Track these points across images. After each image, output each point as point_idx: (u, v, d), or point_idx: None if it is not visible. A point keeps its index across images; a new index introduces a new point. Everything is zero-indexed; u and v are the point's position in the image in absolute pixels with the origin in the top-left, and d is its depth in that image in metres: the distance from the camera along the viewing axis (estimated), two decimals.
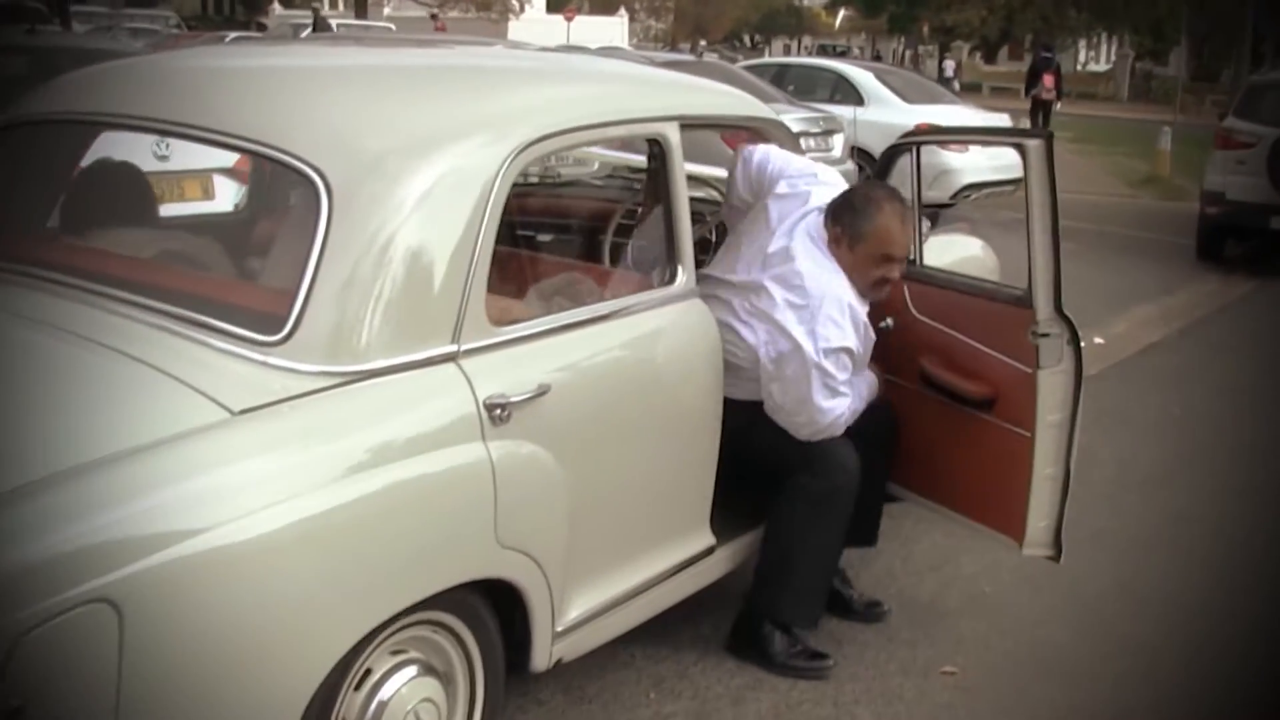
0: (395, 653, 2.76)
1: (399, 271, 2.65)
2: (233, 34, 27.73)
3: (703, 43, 44.87)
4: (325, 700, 2.53)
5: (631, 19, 59.39)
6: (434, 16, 30.30)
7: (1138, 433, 6.20)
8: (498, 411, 2.77)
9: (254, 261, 3.08)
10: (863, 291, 3.55)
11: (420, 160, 2.75)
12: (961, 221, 7.17)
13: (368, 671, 2.69)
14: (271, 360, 2.52)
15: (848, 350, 3.47)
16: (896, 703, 3.59)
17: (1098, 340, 7.87)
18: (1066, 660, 3.86)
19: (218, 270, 3.11)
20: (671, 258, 3.37)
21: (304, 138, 2.75)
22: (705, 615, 3.99)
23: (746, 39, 64.10)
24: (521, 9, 46.93)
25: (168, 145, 3.82)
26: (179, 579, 2.19)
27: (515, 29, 42.76)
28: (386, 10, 46.34)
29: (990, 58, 37.98)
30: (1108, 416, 6.36)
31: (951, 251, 4.88)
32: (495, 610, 2.92)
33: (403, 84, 3.19)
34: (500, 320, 2.87)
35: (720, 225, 4.19)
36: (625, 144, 4.58)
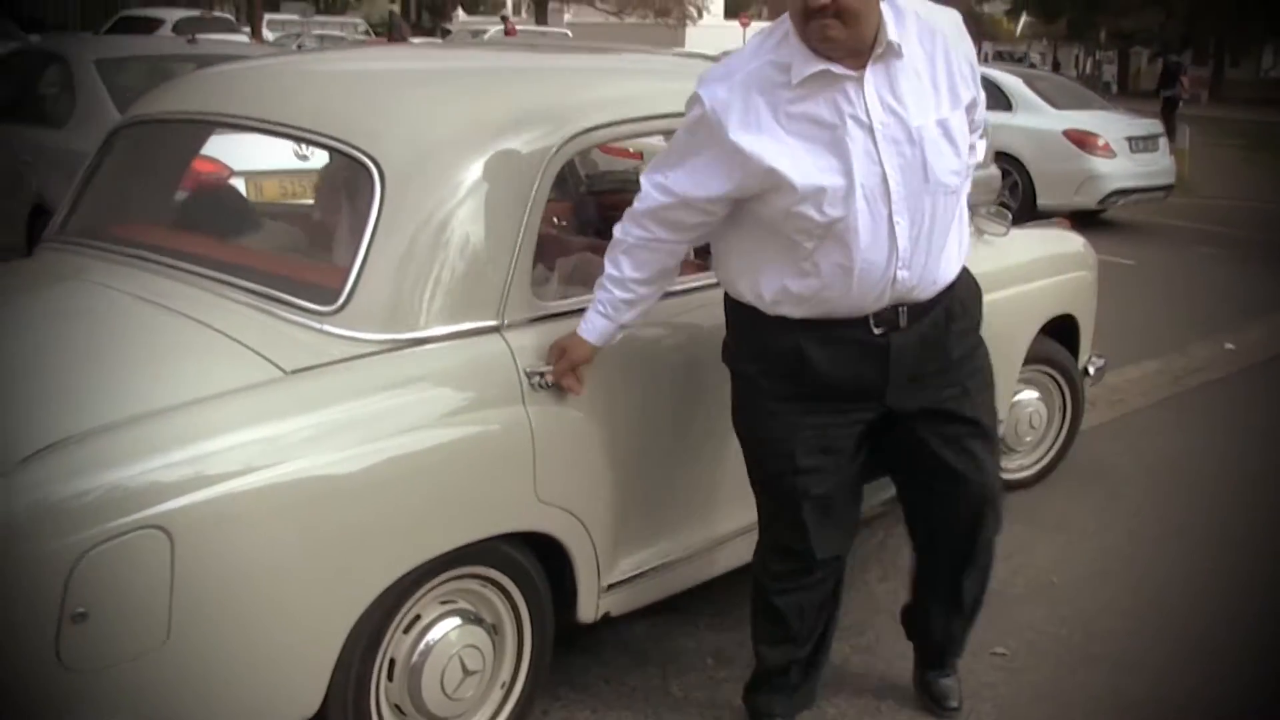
0: (444, 602, 2.94)
1: (449, 250, 2.87)
2: (417, 40, 28.75)
3: None
4: (373, 638, 2.76)
5: None
6: (504, 19, 30.38)
7: (1250, 436, 6.10)
8: (537, 379, 2.96)
9: (319, 241, 3.37)
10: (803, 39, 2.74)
11: (470, 150, 2.97)
12: (1060, 216, 7.10)
13: (417, 617, 2.88)
14: (326, 327, 2.78)
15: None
16: None
17: (1228, 346, 7.76)
18: (1116, 650, 3.89)
19: (287, 250, 3.42)
20: None
21: (362, 129, 3.00)
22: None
23: None
24: (699, 15, 47.05)
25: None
26: (225, 512, 2.44)
27: (692, 35, 43.01)
28: (567, 16, 46.98)
29: (1169, 61, 36.72)
30: (1222, 419, 6.31)
31: (1049, 247, 4.94)
32: (544, 568, 3.08)
33: (462, 82, 3.46)
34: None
35: None
36: None
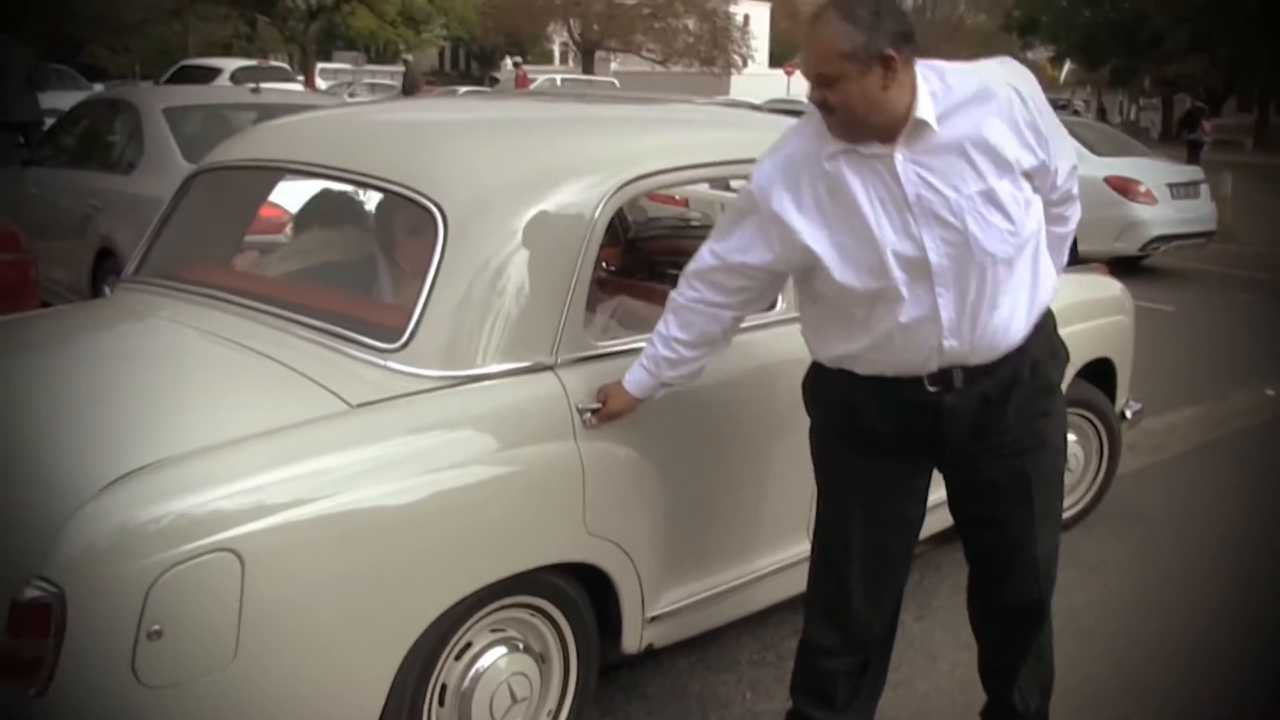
0: (494, 630, 3.03)
1: (506, 291, 3.00)
2: (463, 89, 29.12)
3: None
4: (426, 664, 2.85)
5: None
6: (516, 64, 30.46)
7: None
8: (588, 416, 3.06)
9: (383, 282, 3.51)
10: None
11: (528, 196, 3.11)
12: (1098, 262, 7.14)
13: (468, 644, 2.97)
14: (390, 364, 2.91)
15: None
16: (970, 711, 3.65)
17: (1268, 392, 7.76)
18: (1149, 688, 3.91)
19: (353, 290, 3.56)
20: None
21: (426, 176, 3.13)
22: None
23: None
24: (744, 64, 47.20)
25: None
26: (292, 538, 2.55)
27: (737, 83, 43.16)
28: (614, 65, 47.28)
29: (1215, 109, 36.52)
30: (1262, 464, 6.32)
31: (1086, 291, 4.99)
32: (591, 599, 3.17)
33: (521, 131, 3.62)
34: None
35: None
36: None
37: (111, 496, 2.45)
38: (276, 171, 3.84)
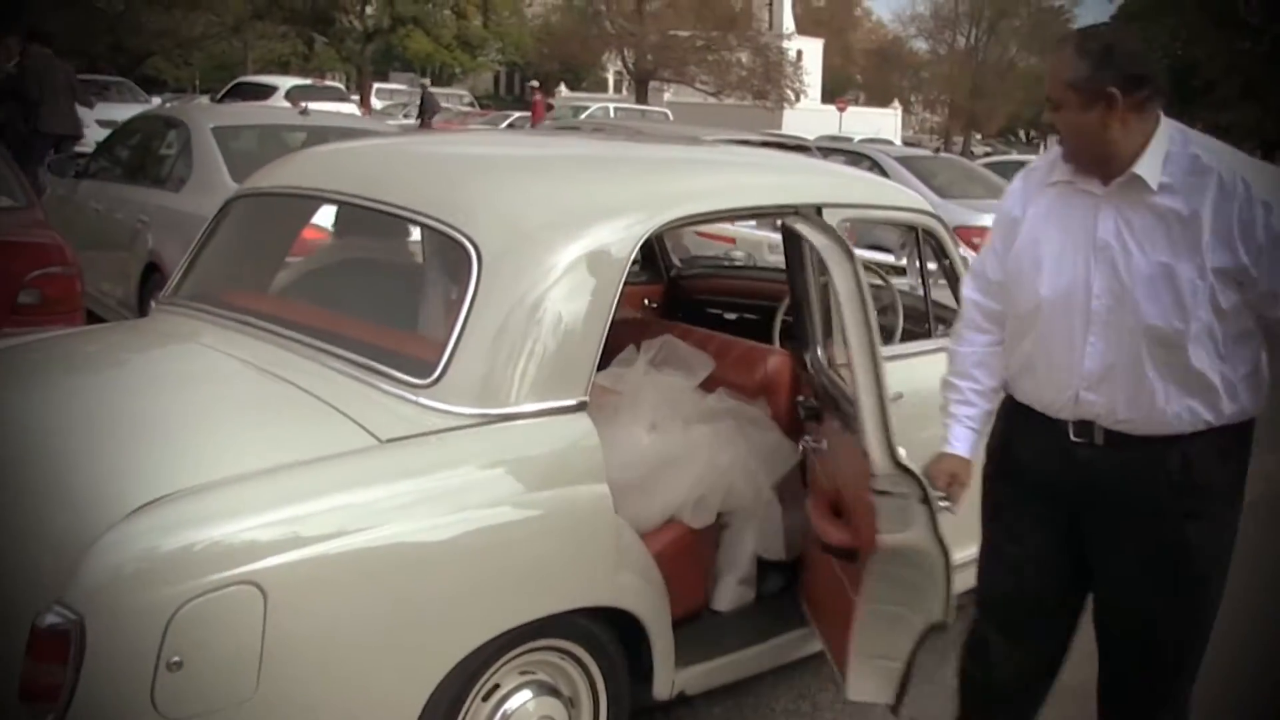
0: (523, 673, 3.00)
1: (540, 329, 2.98)
2: (514, 115, 29.30)
3: (939, 141, 44.06)
4: (453, 704, 2.82)
5: (906, 111, 59.28)
6: (534, 88, 30.62)
7: None
8: (946, 505, 2.93)
9: (417, 317, 3.49)
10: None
11: (564, 235, 3.10)
12: None
13: (495, 686, 2.95)
14: (422, 400, 2.89)
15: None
16: None
17: None
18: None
19: (387, 323, 3.52)
20: (808, 334, 3.66)
21: (462, 212, 3.13)
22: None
23: (1022, 134, 63.03)
24: (797, 98, 47.21)
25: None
26: (317, 573, 2.53)
27: (789, 118, 43.18)
28: (667, 95, 47.44)
29: (1269, 155, 36.20)
30: None
31: None
32: (622, 642, 3.14)
33: (556, 170, 3.63)
34: None
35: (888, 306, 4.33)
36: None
37: (135, 524, 2.43)
38: (315, 200, 3.84)
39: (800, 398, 3.59)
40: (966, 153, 39.15)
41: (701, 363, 3.81)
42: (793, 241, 3.63)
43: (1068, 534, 2.93)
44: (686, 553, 3.41)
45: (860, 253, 3.67)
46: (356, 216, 3.85)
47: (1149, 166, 2.65)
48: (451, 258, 3.11)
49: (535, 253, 3.05)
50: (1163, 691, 2.95)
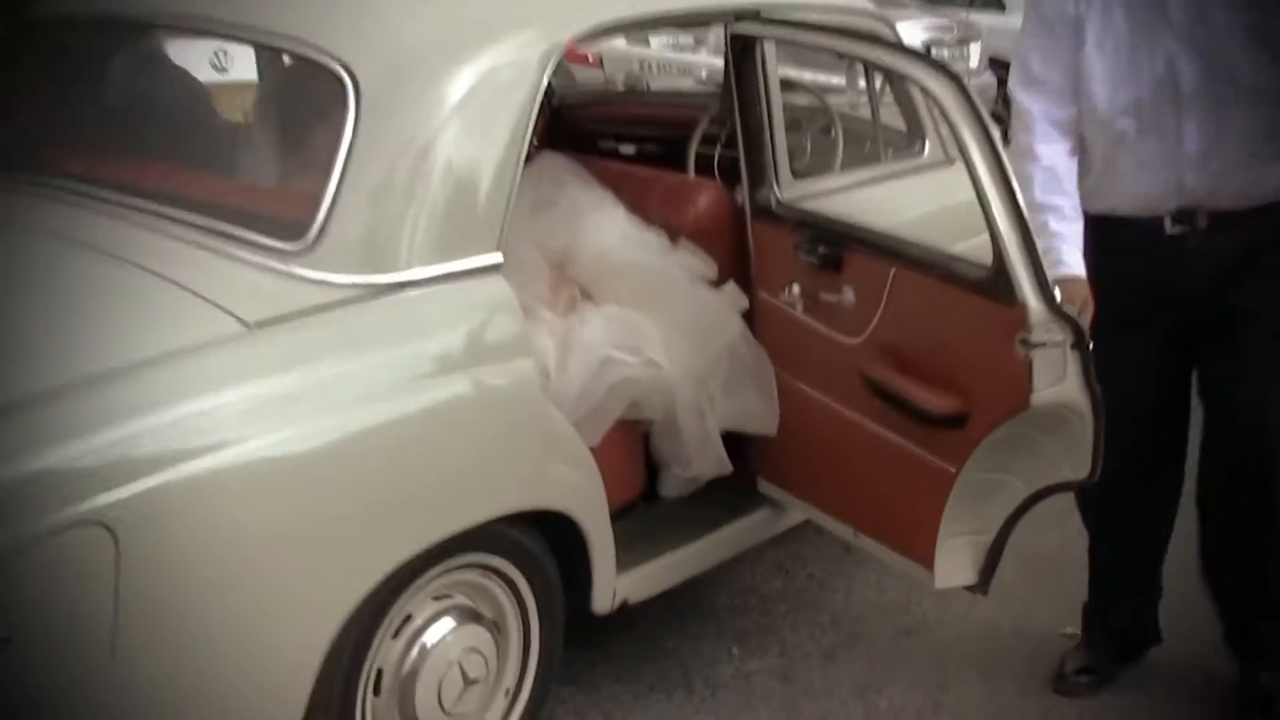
0: (439, 598, 2.80)
1: (438, 174, 2.70)
2: None
3: None
4: (358, 647, 2.59)
5: None
6: None
7: None
8: (1060, 342, 2.77)
9: (279, 166, 3.16)
10: None
11: (460, 59, 2.81)
12: None
13: (408, 618, 2.74)
14: (294, 269, 2.60)
15: None
16: (1005, 659, 3.54)
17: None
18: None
19: (239, 176, 3.20)
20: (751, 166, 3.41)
21: (331, 33, 2.84)
22: (800, 566, 3.97)
23: None
24: None
25: (226, 56, 3.88)
26: (180, 503, 2.24)
27: None
28: None
29: None
30: None
31: None
32: (553, 550, 2.97)
33: None
34: None
35: (825, 129, 4.13)
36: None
37: None
38: (138, 27, 3.40)
39: (800, 243, 3.31)
40: None
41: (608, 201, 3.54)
42: (745, 56, 3.37)
43: (1169, 341, 3.05)
44: (620, 435, 3.21)
45: (794, 71, 3.47)
46: (193, 45, 3.52)
47: None
48: (321, 91, 2.79)
49: (426, 81, 2.78)
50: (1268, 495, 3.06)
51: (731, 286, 3.37)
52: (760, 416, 3.37)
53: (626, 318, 3.22)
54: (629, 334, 3.17)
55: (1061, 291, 2.77)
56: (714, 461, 3.30)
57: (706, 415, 3.26)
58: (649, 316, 3.24)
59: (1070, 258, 2.92)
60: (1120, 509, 3.24)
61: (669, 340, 3.22)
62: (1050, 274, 2.75)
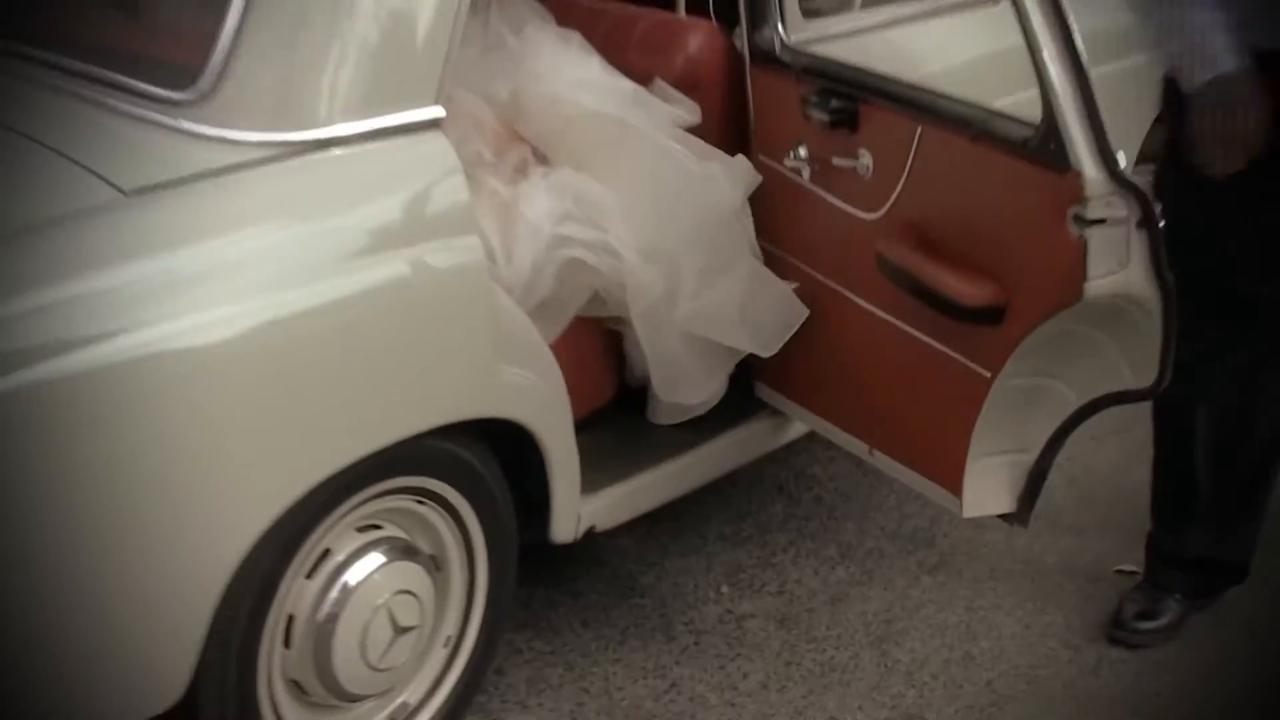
0: (364, 529, 2.82)
1: (366, 8, 2.66)
2: None
3: None
4: (264, 587, 2.60)
5: None
6: None
7: None
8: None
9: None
10: None
11: None
12: None
13: (325, 554, 2.75)
14: (186, 125, 2.56)
15: None
16: (1048, 602, 3.59)
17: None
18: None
19: (125, 10, 3.14)
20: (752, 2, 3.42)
21: None
22: (805, 488, 4.01)
23: None
24: None
25: None
26: (36, 407, 2.23)
27: None
28: None
29: None
30: None
31: None
32: (504, 469, 2.99)
33: None
34: None
35: None
36: None
37: None
38: None
39: (809, 96, 3.29)
40: None
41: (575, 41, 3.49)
42: None
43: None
44: (585, 327, 3.29)
45: None
46: None
47: None
48: None
49: None
50: None
51: (741, 160, 3.37)
52: (757, 332, 3.35)
53: (583, 186, 3.22)
54: (586, 207, 3.17)
55: (1221, 91, 2.79)
56: (700, 387, 3.33)
57: (681, 321, 3.25)
58: (614, 185, 3.24)
59: (1227, 49, 2.83)
60: (1201, 397, 3.24)
61: (636, 216, 3.22)
62: (1200, 76, 2.78)
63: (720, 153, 3.36)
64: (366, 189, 2.69)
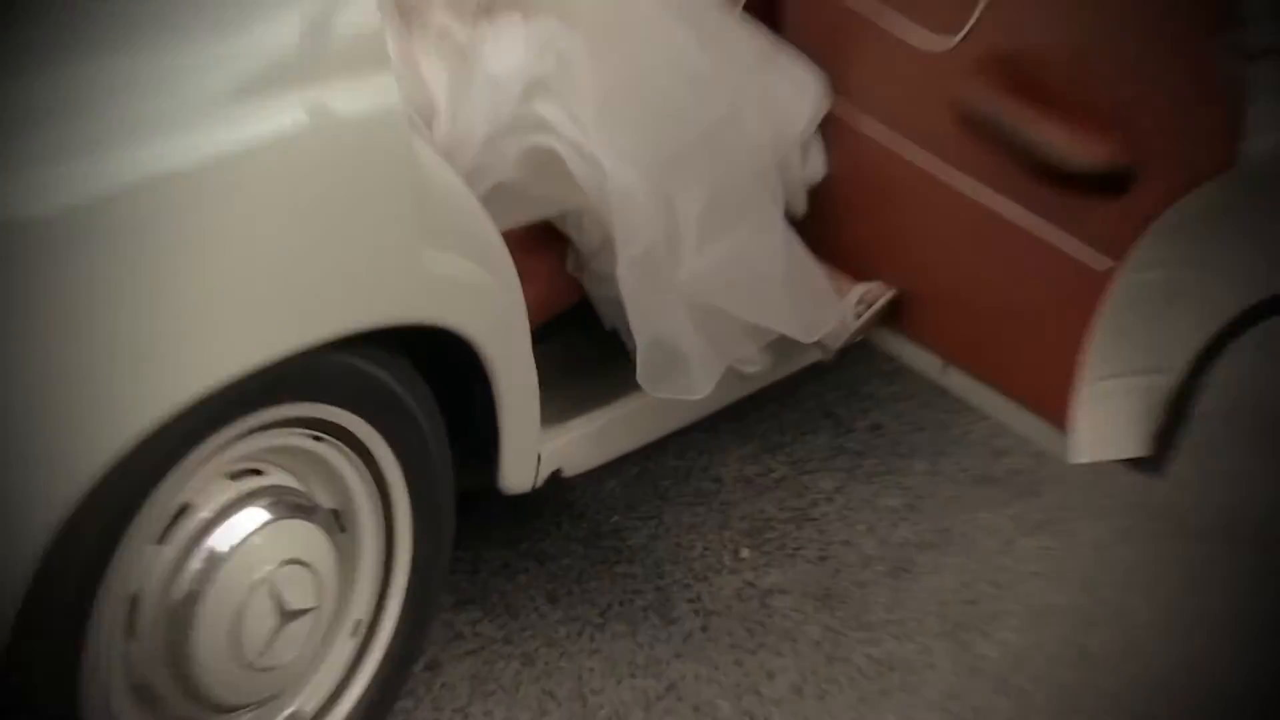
0: (238, 476, 2.74)
1: None
2: None
3: None
4: (96, 556, 2.48)
5: None
6: None
7: None
8: None
9: None
10: None
11: None
12: None
13: (184, 509, 2.64)
14: None
15: None
16: (1212, 566, 3.58)
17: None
18: None
19: None
20: None
21: None
22: (855, 413, 4.03)
23: None
24: None
25: None
26: None
27: None
28: None
29: None
30: None
31: None
32: (437, 396, 2.97)
33: None
34: None
35: None
36: None
37: None
38: None
39: None
40: None
41: None
42: None
43: None
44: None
45: None
46: None
47: None
48: None
49: None
50: None
51: (816, 75, 3.36)
52: (800, 308, 3.32)
53: (573, 49, 3.17)
54: (558, 64, 3.12)
55: None
56: (700, 380, 3.25)
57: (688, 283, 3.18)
58: (599, 47, 3.20)
59: None
60: None
61: (647, 122, 3.17)
62: None
63: (790, 55, 3.36)
64: (249, 9, 2.56)
